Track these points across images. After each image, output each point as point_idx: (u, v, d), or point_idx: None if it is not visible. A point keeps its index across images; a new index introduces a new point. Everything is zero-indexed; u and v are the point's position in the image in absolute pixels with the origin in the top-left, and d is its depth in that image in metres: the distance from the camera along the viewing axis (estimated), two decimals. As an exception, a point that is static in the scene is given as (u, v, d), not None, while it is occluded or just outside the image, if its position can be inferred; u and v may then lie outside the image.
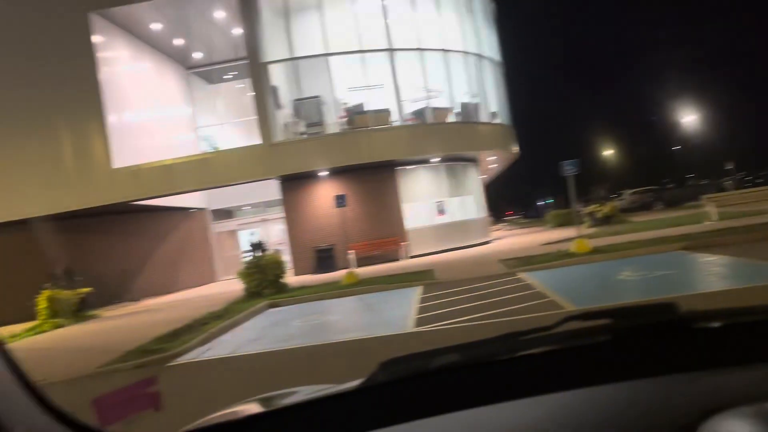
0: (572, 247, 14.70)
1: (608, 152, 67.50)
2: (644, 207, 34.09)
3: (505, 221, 48.26)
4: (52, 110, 19.36)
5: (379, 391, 1.07)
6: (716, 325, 1.13)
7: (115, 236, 21.65)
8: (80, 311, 16.41)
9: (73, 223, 20.02)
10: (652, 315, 1.18)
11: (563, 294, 9.59)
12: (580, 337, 1.10)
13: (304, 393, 1.38)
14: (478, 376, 1.06)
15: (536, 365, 1.07)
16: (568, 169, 14.91)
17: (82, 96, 19.24)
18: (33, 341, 13.59)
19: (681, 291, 8.64)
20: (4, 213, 19.07)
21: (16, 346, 12.84)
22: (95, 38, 19.48)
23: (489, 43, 25.59)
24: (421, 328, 8.70)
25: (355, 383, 1.11)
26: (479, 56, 24.16)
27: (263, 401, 1.42)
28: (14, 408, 0.66)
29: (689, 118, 45.20)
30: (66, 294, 16.08)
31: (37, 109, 19.33)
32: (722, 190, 33.36)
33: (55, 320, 15.53)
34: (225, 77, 26.75)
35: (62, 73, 19.26)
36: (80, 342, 12.41)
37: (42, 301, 15.89)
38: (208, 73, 26.43)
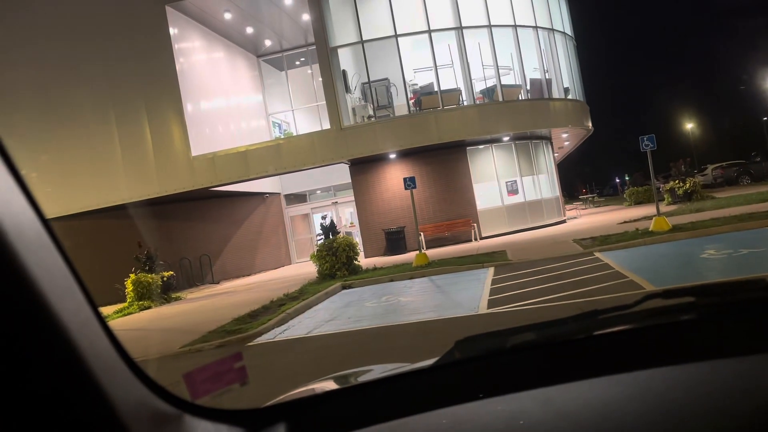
0: (651, 225, 14.16)
1: (690, 125, 64.36)
2: (729, 182, 32.35)
3: (580, 200, 46.93)
4: (135, 102, 20.27)
5: (455, 369, 1.08)
6: None
7: (195, 222, 22.56)
8: (164, 293, 17.24)
9: (156, 209, 20.99)
10: (738, 293, 1.13)
11: (642, 274, 9.27)
12: (661, 316, 1.07)
13: (379, 371, 1.41)
14: (556, 355, 1.05)
15: (615, 344, 1.05)
16: (646, 144, 14.33)
17: (161, 87, 20.04)
18: (122, 322, 14.41)
19: (771, 270, 8.17)
20: (92, 201, 20.22)
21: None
22: (171, 30, 20.18)
23: (560, 17, 24.78)
24: (493, 310, 8.63)
25: (430, 362, 1.13)
26: (550, 30, 23.47)
27: (340, 378, 1.45)
28: (117, 380, 0.72)
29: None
30: (150, 277, 16.91)
31: (121, 102, 20.28)
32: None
33: (142, 302, 16.39)
34: (295, 63, 27.15)
35: (142, 66, 20.11)
36: (165, 323, 13.06)
37: (129, 284, 16.81)
38: (279, 60, 26.89)
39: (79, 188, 20.29)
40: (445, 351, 1.13)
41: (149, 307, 16.23)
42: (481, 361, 1.07)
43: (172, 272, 18.05)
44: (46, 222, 0.70)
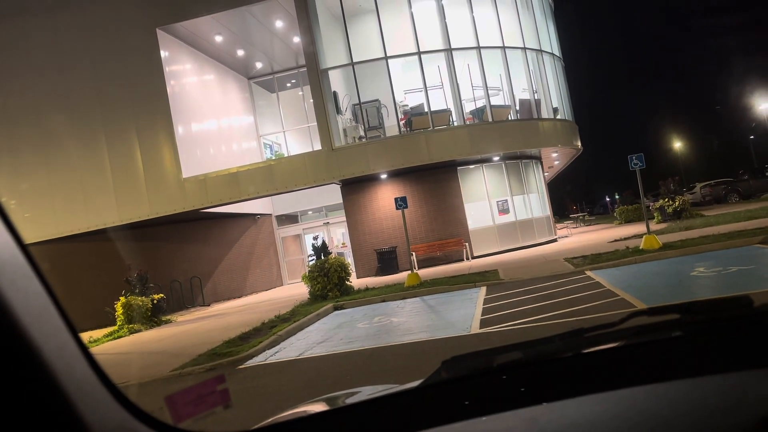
0: (642, 243, 14.23)
1: (678, 144, 65.04)
2: (718, 200, 32.59)
3: (571, 218, 47.17)
4: (126, 125, 20.29)
5: (442, 389, 1.08)
6: None
7: (186, 243, 22.46)
8: (154, 316, 17.09)
9: (147, 231, 20.91)
10: (721, 311, 1.14)
11: (633, 292, 9.30)
12: (646, 334, 1.07)
13: (367, 393, 1.40)
14: (542, 374, 1.05)
15: (601, 362, 1.05)
16: (635, 162, 14.46)
17: (152, 110, 20.08)
18: (112, 345, 14.25)
19: (760, 287, 8.21)
20: (83, 223, 20.13)
21: (96, 350, 13.49)
22: (163, 53, 20.28)
23: (548, 39, 25.11)
24: (485, 329, 8.61)
25: (417, 382, 1.12)
26: (539, 51, 23.75)
27: (328, 400, 1.45)
28: (96, 404, 0.71)
29: (764, 105, 43.01)
30: (140, 300, 16.78)
31: (112, 125, 20.30)
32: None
33: (132, 325, 16.24)
34: (286, 85, 27.30)
35: (134, 89, 20.17)
36: (155, 346, 12.93)
37: (119, 308, 16.66)
38: (270, 82, 27.04)
39: (71, 211, 20.21)
40: (433, 371, 1.12)
41: (139, 330, 16.07)
42: (467, 380, 1.07)
43: (162, 295, 17.91)
44: (22, 245, 0.70)
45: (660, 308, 1.14)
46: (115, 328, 16.49)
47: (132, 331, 15.98)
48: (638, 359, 1.04)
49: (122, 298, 16.78)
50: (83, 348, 0.77)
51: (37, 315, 0.65)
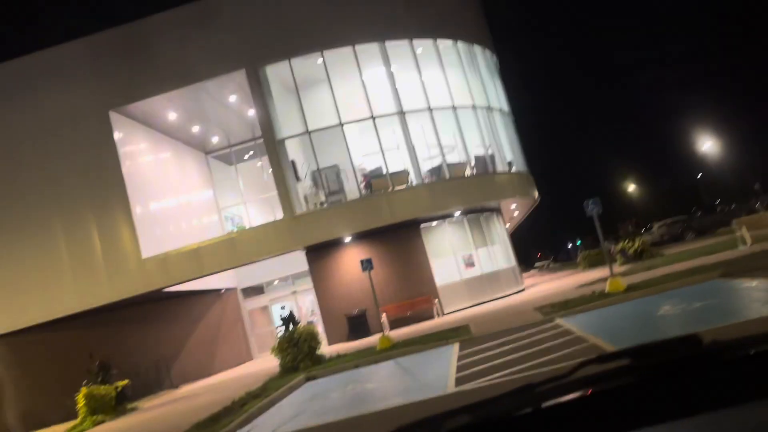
0: (607, 287, 14.39)
1: (632, 187, 67.08)
2: (675, 238, 33.45)
3: (536, 267, 47.57)
4: (82, 208, 19.96)
5: None
6: (749, 353, 1.07)
7: (149, 325, 21.77)
8: (119, 404, 16.35)
9: (108, 315, 20.25)
10: (673, 351, 1.13)
11: (604, 336, 9.32)
12: (599, 383, 1.06)
13: None
14: None
15: (556, 416, 1.02)
16: (591, 207, 14.74)
17: (108, 191, 19.83)
18: (75, 440, 13.52)
19: (724, 320, 8.34)
20: (40, 314, 19.39)
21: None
22: (116, 134, 20.21)
23: (495, 95, 25.95)
24: (462, 387, 8.48)
25: None
26: (488, 109, 24.48)
27: None
28: None
29: (708, 144, 44.93)
30: (103, 389, 16.07)
31: (68, 209, 19.95)
32: (753, 212, 32.67)
33: (95, 416, 15.48)
34: (244, 157, 27.38)
35: (88, 172, 19.96)
36: (121, 436, 12.32)
37: (80, 399, 15.90)
38: (227, 155, 27.10)
39: (27, 302, 19.50)
40: None
41: (104, 421, 15.32)
42: None
43: (127, 381, 17.19)
44: None
45: (610, 355, 1.12)
46: (78, 421, 15.69)
47: (96, 423, 15.22)
48: (592, 410, 1.02)
49: (83, 389, 16.03)
50: None
51: None
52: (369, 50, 21.79)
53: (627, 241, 25.01)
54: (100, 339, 19.43)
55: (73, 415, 16.14)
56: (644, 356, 1.12)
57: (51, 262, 19.80)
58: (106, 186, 19.87)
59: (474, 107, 23.59)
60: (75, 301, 19.50)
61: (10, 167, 20.06)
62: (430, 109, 22.11)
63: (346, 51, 21.44)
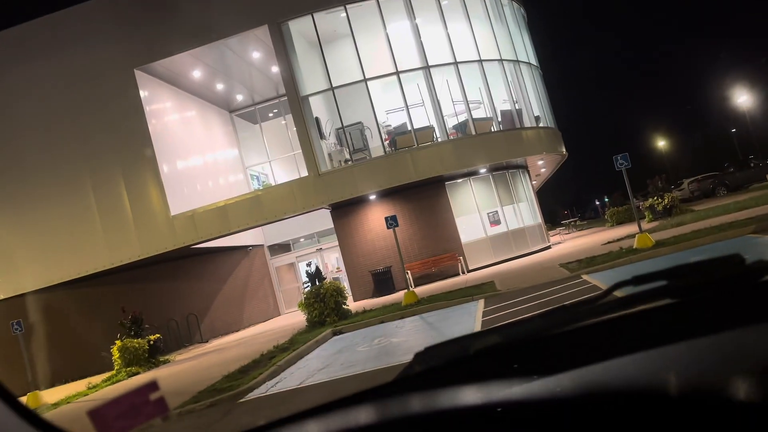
0: (635, 243, 14.23)
1: (662, 143, 65.59)
2: (707, 194, 32.75)
3: (563, 225, 47.20)
4: (111, 168, 20.20)
5: (415, 381, 1.01)
6: None
7: (179, 281, 22.24)
8: (152, 357, 16.84)
9: (139, 272, 20.71)
10: (714, 271, 1.08)
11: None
12: (634, 304, 1.02)
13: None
14: (520, 355, 0.98)
15: (584, 337, 0.99)
16: (621, 163, 14.49)
17: (136, 151, 20.02)
18: (111, 390, 14.02)
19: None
20: (74, 270, 19.91)
21: (96, 396, 13.27)
22: (142, 93, 20.28)
23: (524, 48, 25.35)
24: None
25: (392, 378, 1.06)
26: (515, 62, 23.95)
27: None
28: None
29: (743, 98, 43.57)
30: (137, 342, 16.55)
31: (97, 169, 20.22)
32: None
33: (130, 368, 16.00)
34: (268, 115, 27.35)
35: (116, 131, 20.12)
36: (155, 387, 12.70)
37: (115, 352, 16.43)
38: (252, 113, 27.09)
39: (61, 258, 20.02)
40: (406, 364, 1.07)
41: (138, 373, 15.82)
42: (442, 370, 1.01)
43: (159, 335, 17.66)
44: None
45: (643, 276, 1.08)
46: (114, 372, 16.24)
47: (130, 374, 15.73)
48: (627, 329, 0.99)
49: (118, 342, 16.54)
50: None
51: None
52: (393, 3, 21.34)
53: (656, 197, 24.59)
54: (132, 294, 19.93)
55: (108, 366, 16.71)
56: (681, 276, 1.08)
57: (82, 219, 20.20)
58: (134, 145, 20.05)
59: (501, 61, 23.08)
60: (106, 258, 19.96)
61: (43, 129, 20.31)
62: (456, 63, 21.69)
63: (369, 4, 21.03)
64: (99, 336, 17.60)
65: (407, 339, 10.77)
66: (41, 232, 20.19)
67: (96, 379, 15.76)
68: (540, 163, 26.60)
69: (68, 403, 13.12)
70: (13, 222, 20.30)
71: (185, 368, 14.60)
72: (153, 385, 0.87)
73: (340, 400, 0.98)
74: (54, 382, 18.34)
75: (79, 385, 15.62)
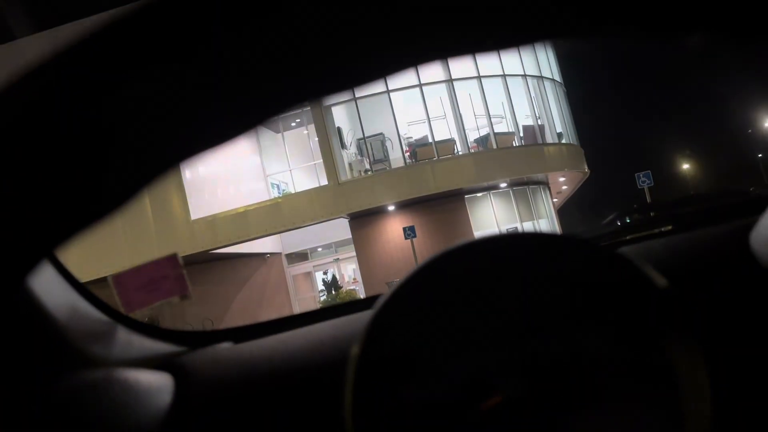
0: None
1: (686, 165, 64.89)
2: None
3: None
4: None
5: None
6: None
7: (196, 286, 21.53)
8: (167, 360, 16.91)
9: (157, 275, 20.87)
10: (717, 199, 1.06)
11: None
12: (639, 230, 1.00)
13: None
14: None
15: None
16: (643, 180, 14.37)
17: (159, 154, 20.26)
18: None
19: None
20: (93, 271, 20.06)
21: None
22: (167, 99, 20.56)
23: (548, 64, 25.32)
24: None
25: None
26: (539, 78, 23.91)
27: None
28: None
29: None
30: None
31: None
32: (817, 192, 31.20)
33: (145, 369, 16.09)
34: (291, 125, 27.53)
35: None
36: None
37: (131, 352, 16.54)
38: (275, 122, 27.31)
39: (80, 260, 20.16)
40: None
41: (152, 375, 15.91)
42: None
43: (174, 338, 17.75)
44: None
45: (651, 204, 1.05)
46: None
47: (144, 376, 15.83)
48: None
49: (134, 343, 16.67)
50: None
51: None
52: (418, 17, 21.45)
53: (679, 218, 24.25)
54: (149, 297, 20.08)
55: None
56: (686, 205, 1.05)
57: (109, 225, 20.42)
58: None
59: (524, 76, 23.07)
60: (127, 260, 20.07)
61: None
62: (479, 77, 21.71)
63: (394, 17, 21.16)
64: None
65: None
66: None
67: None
68: (561, 179, 26.43)
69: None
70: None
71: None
72: (172, 260, 0.86)
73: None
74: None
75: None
